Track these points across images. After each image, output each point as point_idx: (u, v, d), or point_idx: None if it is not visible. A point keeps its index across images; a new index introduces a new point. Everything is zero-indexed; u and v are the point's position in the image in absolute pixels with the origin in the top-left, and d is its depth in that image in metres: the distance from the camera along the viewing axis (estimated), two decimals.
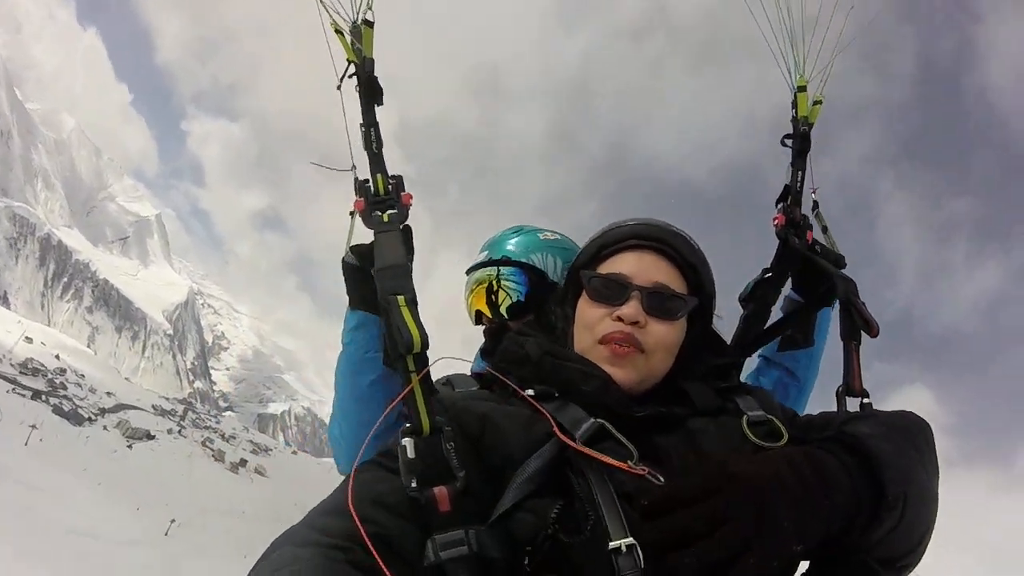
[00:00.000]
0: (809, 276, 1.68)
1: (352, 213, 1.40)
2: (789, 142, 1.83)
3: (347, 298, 1.57)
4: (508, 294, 1.86)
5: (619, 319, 1.15)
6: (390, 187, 1.28)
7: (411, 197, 1.30)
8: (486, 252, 1.96)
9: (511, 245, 1.94)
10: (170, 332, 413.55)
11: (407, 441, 0.99)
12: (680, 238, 1.24)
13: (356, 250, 1.47)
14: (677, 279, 1.21)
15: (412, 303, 1.11)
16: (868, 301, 1.42)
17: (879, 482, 0.91)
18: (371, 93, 1.30)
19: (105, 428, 52.38)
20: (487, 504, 0.97)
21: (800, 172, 1.79)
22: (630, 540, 0.87)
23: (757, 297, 1.72)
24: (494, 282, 1.88)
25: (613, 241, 1.25)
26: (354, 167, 1.36)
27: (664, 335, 1.15)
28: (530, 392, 1.11)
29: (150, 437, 55.25)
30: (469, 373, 1.68)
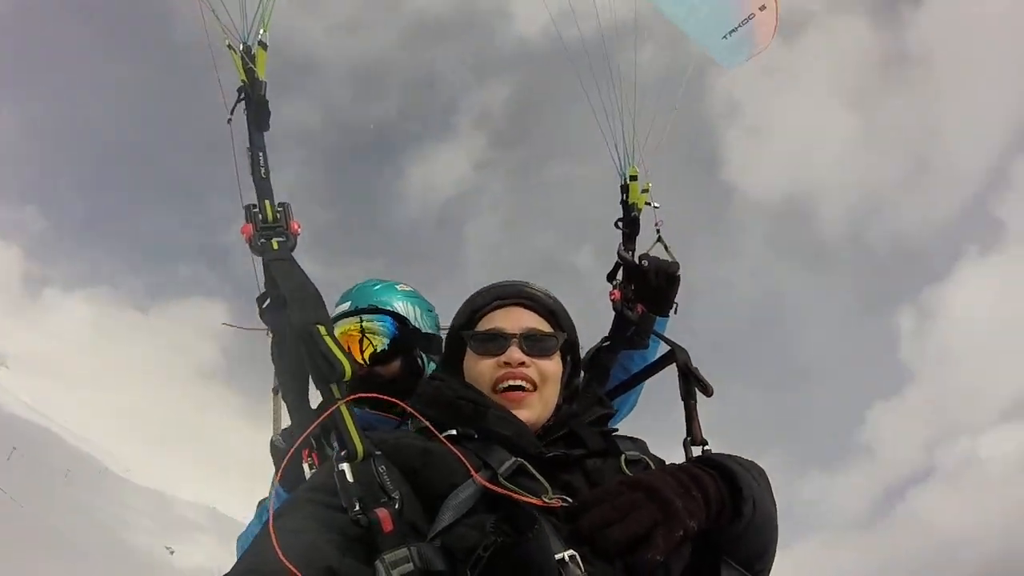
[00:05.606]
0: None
1: (275, 390, 1.39)
2: (621, 225, 2.19)
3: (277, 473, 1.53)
4: (372, 342, 1.96)
5: (506, 363, 1.35)
6: (279, 214, 1.33)
7: (299, 225, 1.34)
8: (348, 302, 2.05)
9: (374, 294, 2.07)
10: None
11: (345, 467, 1.06)
12: (535, 292, 1.49)
13: (287, 433, 1.48)
14: (542, 323, 1.45)
15: (332, 332, 1.18)
16: None
17: (736, 487, 1.17)
18: (262, 117, 1.37)
19: None
20: (420, 526, 1.07)
21: (631, 252, 2.13)
22: (571, 552, 1.01)
23: (599, 363, 1.99)
24: (357, 329, 1.97)
25: (482, 304, 1.47)
26: (268, 332, 1.35)
27: (547, 369, 1.39)
28: (452, 432, 1.24)
29: None
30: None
